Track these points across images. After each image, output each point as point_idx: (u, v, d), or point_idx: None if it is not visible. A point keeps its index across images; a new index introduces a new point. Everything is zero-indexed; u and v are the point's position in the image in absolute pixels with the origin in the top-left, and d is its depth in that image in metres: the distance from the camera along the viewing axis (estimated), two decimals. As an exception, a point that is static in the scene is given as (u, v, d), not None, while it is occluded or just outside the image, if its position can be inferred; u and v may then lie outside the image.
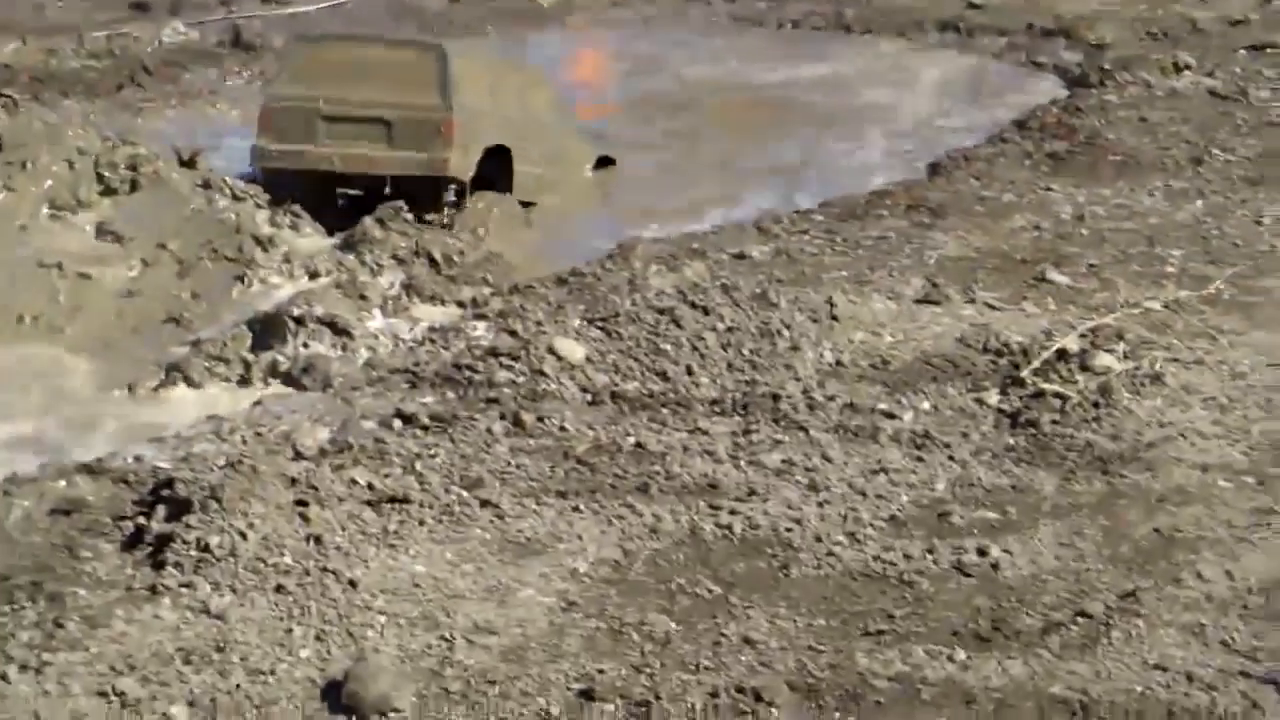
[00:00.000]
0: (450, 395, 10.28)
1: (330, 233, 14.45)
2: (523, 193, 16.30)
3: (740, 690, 6.88)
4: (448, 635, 7.31)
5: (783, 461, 9.25)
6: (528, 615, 7.55)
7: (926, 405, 10.12)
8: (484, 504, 8.60)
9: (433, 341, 11.60)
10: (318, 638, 7.25)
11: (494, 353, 10.82)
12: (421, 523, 8.37)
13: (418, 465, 9.03)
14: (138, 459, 9.47)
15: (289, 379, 11.33)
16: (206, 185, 14.33)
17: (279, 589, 7.60)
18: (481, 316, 12.11)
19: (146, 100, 20.87)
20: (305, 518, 8.18)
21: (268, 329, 11.88)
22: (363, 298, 12.62)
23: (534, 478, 9.03)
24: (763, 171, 18.09)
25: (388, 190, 15.22)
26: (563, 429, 9.70)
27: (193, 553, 7.85)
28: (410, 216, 14.53)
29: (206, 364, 11.54)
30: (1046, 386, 10.16)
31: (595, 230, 15.79)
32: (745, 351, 10.78)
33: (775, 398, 10.11)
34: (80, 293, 12.75)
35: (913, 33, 24.88)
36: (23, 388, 11.54)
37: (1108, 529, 8.43)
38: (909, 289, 12.25)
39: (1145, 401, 9.98)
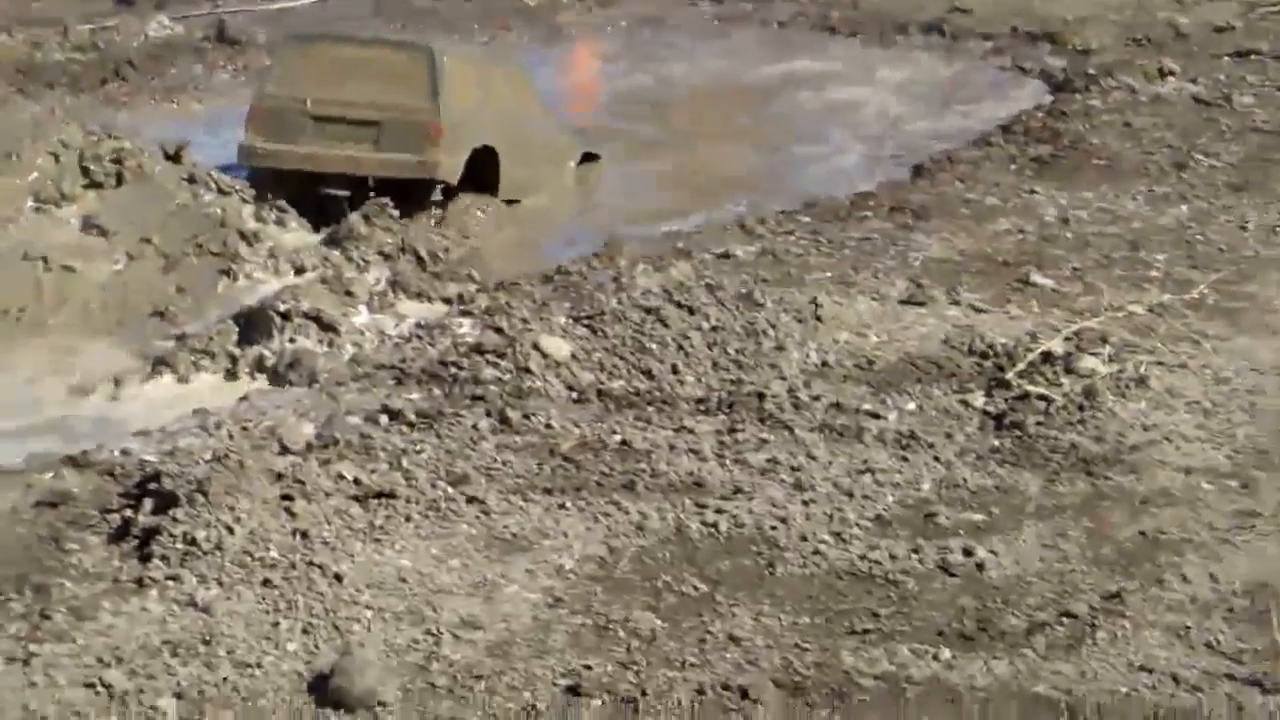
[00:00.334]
0: (436, 392, 10.28)
1: (316, 228, 14.42)
2: (509, 193, 16.31)
3: (726, 687, 6.91)
4: (434, 630, 7.32)
5: (768, 460, 9.27)
6: (513, 611, 7.56)
7: (911, 406, 10.15)
8: (470, 500, 8.61)
9: (419, 338, 11.60)
10: (304, 631, 7.27)
11: (480, 349, 10.82)
12: (408, 518, 8.38)
13: (404, 461, 9.04)
14: (124, 452, 9.47)
15: (275, 374, 11.33)
16: (192, 180, 14.29)
17: (265, 583, 7.62)
18: (467, 313, 12.10)
19: (131, 94, 20.81)
20: (291, 512, 8.20)
21: (253, 324, 11.88)
22: (348, 294, 12.62)
23: (520, 474, 9.04)
24: (746, 171, 18.10)
25: (371, 190, 15.20)
26: (548, 426, 9.71)
27: (179, 546, 7.86)
28: (396, 213, 14.52)
29: (192, 358, 11.54)
30: (1031, 388, 10.19)
31: (580, 228, 15.82)
32: (730, 351, 10.80)
33: (760, 397, 10.13)
34: (65, 286, 12.73)
35: (898, 35, 24.89)
36: (7, 381, 11.53)
37: (1092, 530, 8.47)
38: (894, 290, 12.27)
39: (1129, 404, 10.02)
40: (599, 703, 6.82)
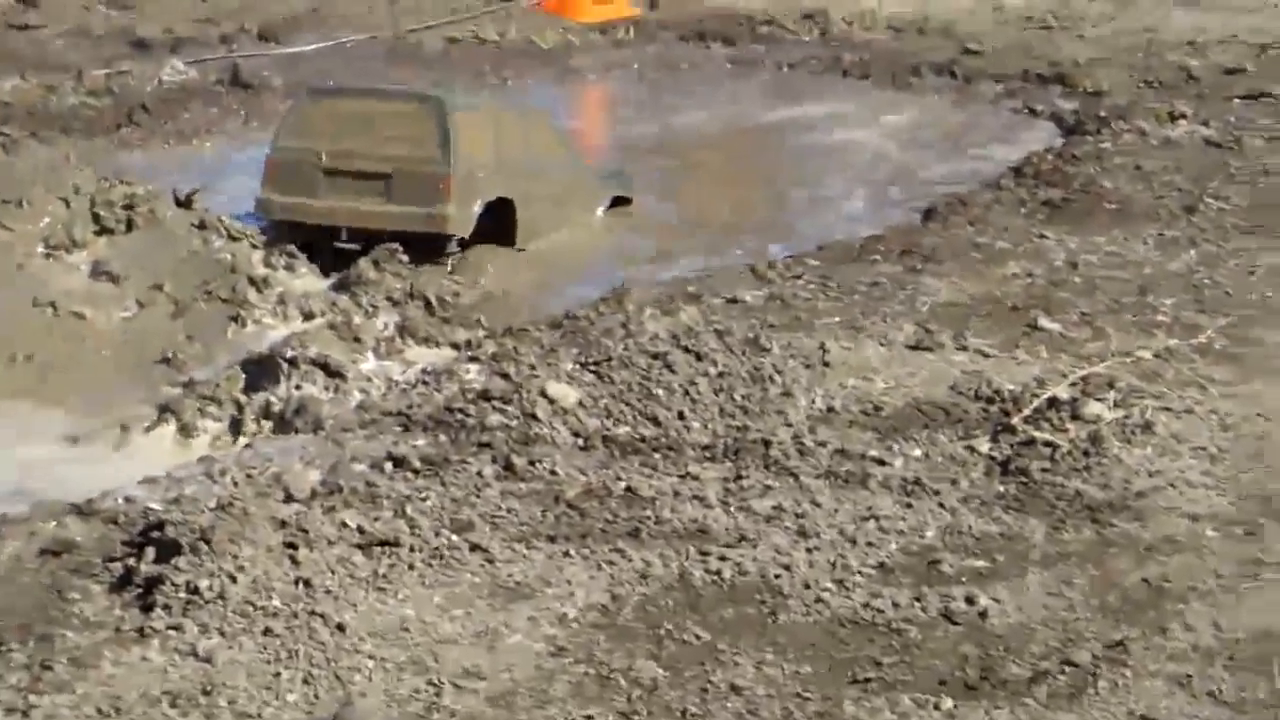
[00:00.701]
0: (442, 438, 10.28)
1: (325, 274, 14.45)
2: (526, 242, 16.22)
3: (727, 738, 6.90)
4: (435, 680, 7.31)
5: (773, 507, 9.26)
6: (516, 660, 7.56)
7: (917, 452, 10.13)
8: (474, 548, 8.60)
9: (425, 384, 11.60)
10: (305, 681, 7.26)
11: (486, 396, 10.81)
12: (411, 566, 8.37)
13: (408, 508, 9.02)
14: (128, 500, 9.46)
15: (281, 421, 11.35)
16: (202, 225, 14.34)
17: (267, 631, 7.61)
18: (475, 359, 12.09)
19: (144, 138, 20.90)
20: (295, 560, 8.19)
21: (261, 370, 11.91)
22: (356, 340, 12.65)
23: (524, 522, 9.03)
24: (756, 215, 18.14)
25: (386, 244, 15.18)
26: (554, 473, 9.70)
27: (182, 595, 7.86)
28: (405, 258, 14.52)
29: (199, 405, 11.57)
30: (1037, 434, 10.17)
31: (591, 273, 15.79)
32: (737, 397, 10.79)
33: (766, 443, 10.11)
34: (74, 333, 12.77)
35: (909, 78, 24.94)
36: (14, 427, 11.56)
37: (1096, 578, 8.45)
38: (901, 335, 12.26)
39: (1135, 450, 9.99)
40: (599, 753, 6.81)
